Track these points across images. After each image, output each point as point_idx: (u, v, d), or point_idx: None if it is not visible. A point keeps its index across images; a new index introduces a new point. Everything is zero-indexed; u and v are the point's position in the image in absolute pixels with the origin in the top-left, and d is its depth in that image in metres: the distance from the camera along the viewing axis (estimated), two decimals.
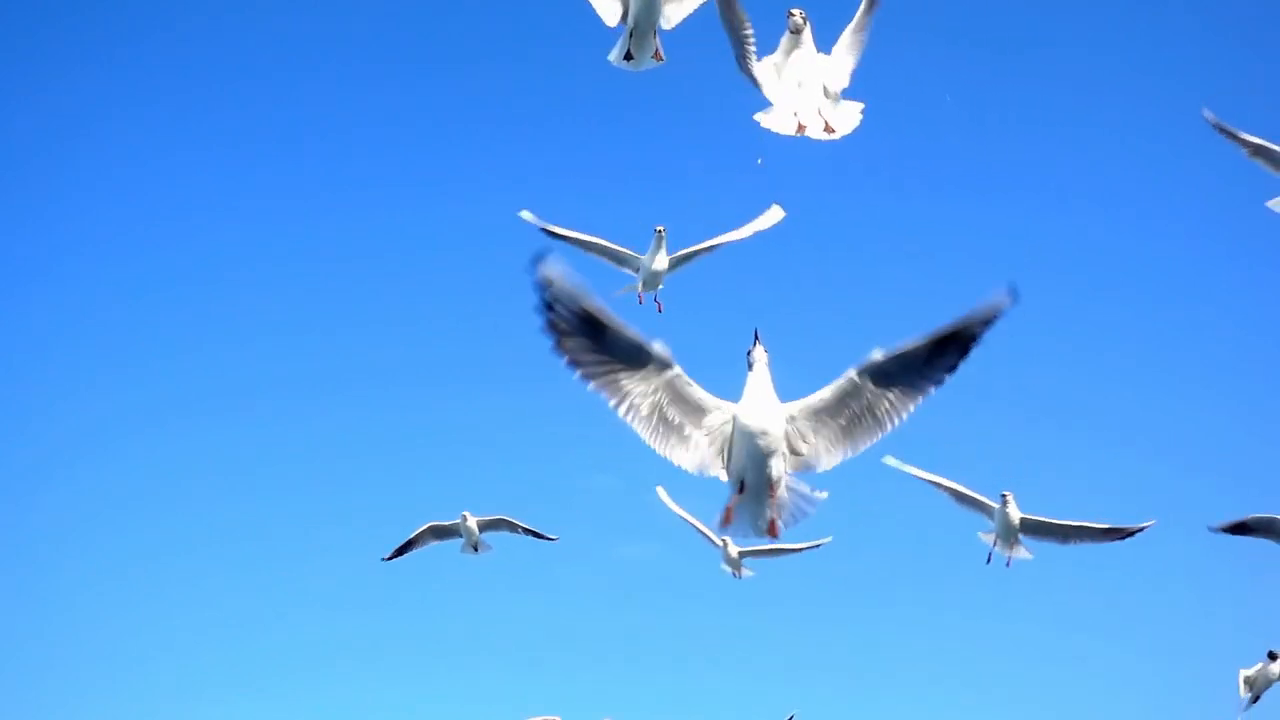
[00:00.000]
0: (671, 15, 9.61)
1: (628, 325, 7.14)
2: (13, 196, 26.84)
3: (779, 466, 7.35)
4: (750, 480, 7.37)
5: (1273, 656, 15.18)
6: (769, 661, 22.35)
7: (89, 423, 26.24)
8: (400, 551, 17.01)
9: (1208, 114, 13.82)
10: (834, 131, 9.20)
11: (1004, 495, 14.29)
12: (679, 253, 13.65)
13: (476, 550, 16.84)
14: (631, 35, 9.69)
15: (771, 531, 7.47)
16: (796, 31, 9.24)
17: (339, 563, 23.14)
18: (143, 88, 27.80)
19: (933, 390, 7.31)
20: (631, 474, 23.45)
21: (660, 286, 13.76)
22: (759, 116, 9.26)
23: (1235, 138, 13.74)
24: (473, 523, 16.58)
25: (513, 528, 16.81)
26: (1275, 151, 13.79)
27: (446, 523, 16.71)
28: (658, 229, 13.42)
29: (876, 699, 22.15)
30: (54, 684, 22.63)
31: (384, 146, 29.31)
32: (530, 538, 16.91)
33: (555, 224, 13.21)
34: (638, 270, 13.80)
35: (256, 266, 28.04)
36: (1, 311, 26.41)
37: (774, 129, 9.20)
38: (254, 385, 26.28)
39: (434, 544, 17.00)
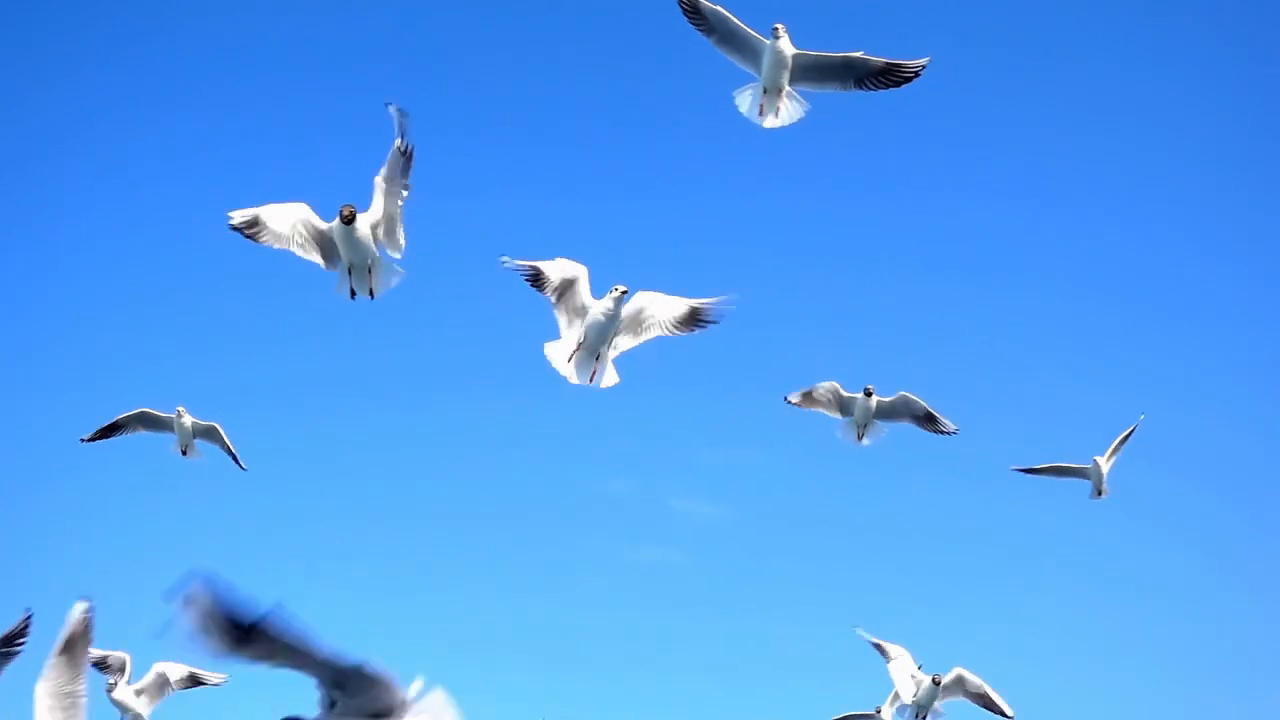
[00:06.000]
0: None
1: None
2: (13, 196, 26.68)
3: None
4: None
5: (868, 393, 15.13)
6: (782, 665, 22.36)
7: (87, 422, 26.04)
8: (103, 434, 16.09)
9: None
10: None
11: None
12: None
13: (185, 454, 16.12)
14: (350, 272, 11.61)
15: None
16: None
17: (341, 561, 23.06)
18: (143, 87, 27.68)
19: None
20: (648, 478, 23.72)
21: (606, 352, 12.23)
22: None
23: None
24: (188, 421, 15.93)
25: (220, 440, 16.09)
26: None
27: (161, 414, 16.01)
28: (620, 289, 11.92)
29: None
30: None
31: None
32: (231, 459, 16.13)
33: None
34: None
35: (259, 265, 27.91)
36: (1, 311, 26.20)
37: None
38: (257, 386, 26.14)
39: (143, 433, 16.15)
